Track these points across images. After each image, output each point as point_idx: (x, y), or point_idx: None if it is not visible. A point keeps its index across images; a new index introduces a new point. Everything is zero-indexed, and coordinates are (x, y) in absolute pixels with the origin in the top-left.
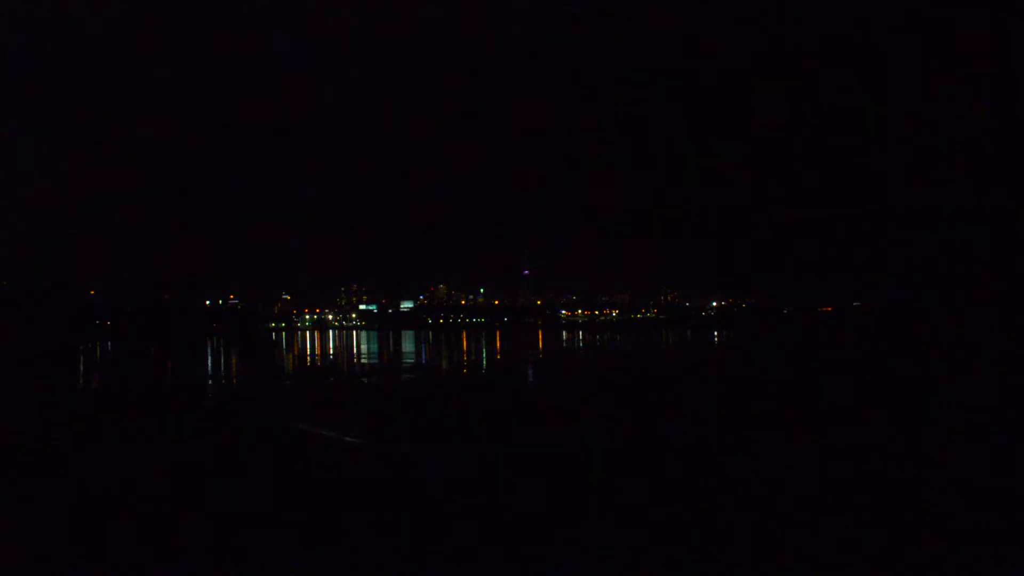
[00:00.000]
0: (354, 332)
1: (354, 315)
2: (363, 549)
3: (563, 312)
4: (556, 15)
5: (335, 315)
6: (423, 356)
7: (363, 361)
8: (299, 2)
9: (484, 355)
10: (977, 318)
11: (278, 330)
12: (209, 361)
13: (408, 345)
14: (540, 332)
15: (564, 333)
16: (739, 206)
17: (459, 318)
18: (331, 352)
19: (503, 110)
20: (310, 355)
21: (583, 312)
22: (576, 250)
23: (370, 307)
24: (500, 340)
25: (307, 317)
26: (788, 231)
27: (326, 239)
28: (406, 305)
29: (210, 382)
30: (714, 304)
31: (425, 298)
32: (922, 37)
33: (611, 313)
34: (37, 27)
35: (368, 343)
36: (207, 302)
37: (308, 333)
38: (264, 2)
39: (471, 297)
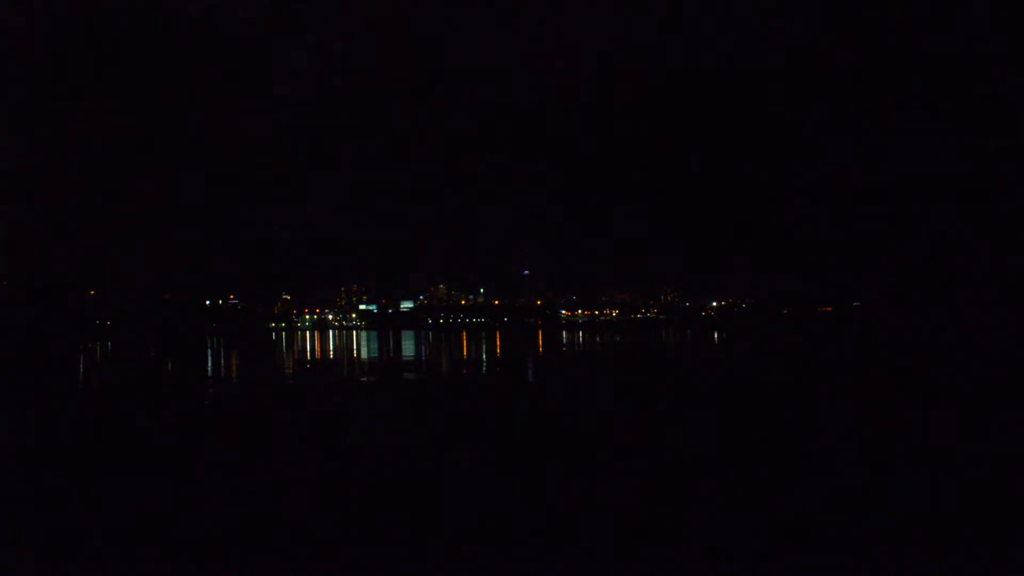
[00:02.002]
0: (354, 332)
1: (354, 315)
2: (362, 546)
3: (563, 312)
4: (557, 14)
5: (335, 315)
6: (423, 356)
7: (363, 361)
8: (299, 2)
9: (484, 355)
10: (976, 317)
11: (278, 330)
12: (209, 361)
13: (408, 345)
14: (540, 332)
15: (564, 333)
16: (739, 206)
17: (459, 318)
18: (331, 352)
19: (504, 109)
20: (310, 355)
21: (583, 312)
22: (576, 250)
23: (370, 307)
24: (500, 340)
25: (307, 317)
26: (788, 231)
27: (326, 239)
28: (406, 305)
29: (209, 381)
30: (714, 304)
31: (425, 298)
32: (920, 37)
33: (611, 313)
34: (38, 26)
35: (368, 343)
36: (207, 302)
37: (308, 333)
38: (264, 2)
39: (471, 297)
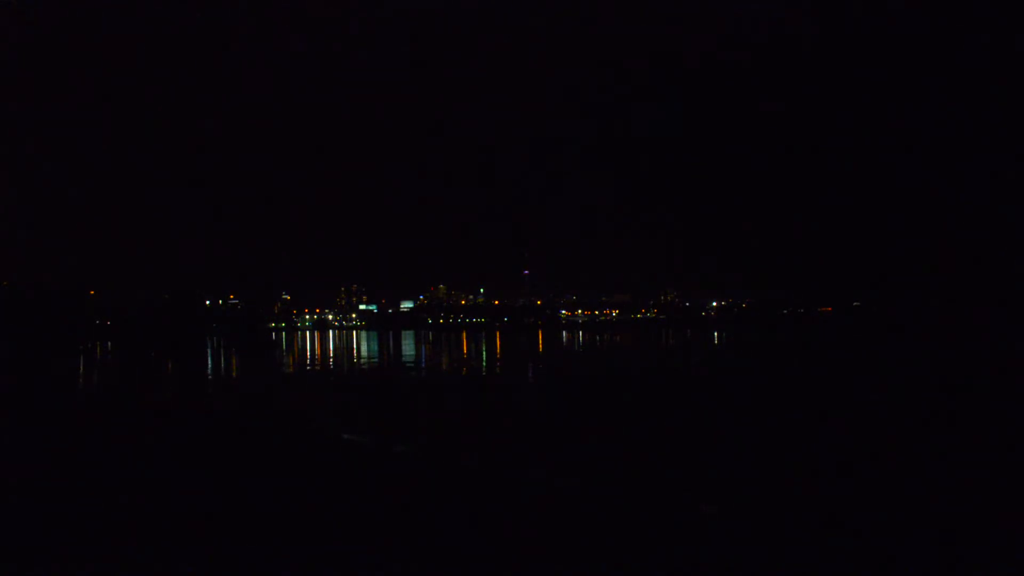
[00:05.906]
0: (354, 332)
1: (354, 315)
2: (361, 547)
3: (563, 312)
4: (558, 16)
5: (335, 315)
6: (423, 357)
7: (363, 362)
8: (301, 2)
9: (484, 356)
10: (977, 317)
11: (278, 330)
12: (210, 362)
13: (408, 345)
14: (540, 332)
15: (564, 333)
16: (739, 206)
17: (459, 318)
18: (331, 353)
19: (504, 110)
20: (310, 356)
21: (583, 312)
22: (576, 250)
23: (370, 307)
24: (500, 340)
25: (307, 317)
26: (788, 231)
27: (326, 239)
28: (406, 305)
29: (210, 382)
30: (714, 304)
31: (425, 298)
32: (922, 36)
33: (611, 313)
34: (38, 26)
35: (368, 343)
36: (207, 302)
37: (308, 333)
38: (266, 3)
39: (471, 297)
